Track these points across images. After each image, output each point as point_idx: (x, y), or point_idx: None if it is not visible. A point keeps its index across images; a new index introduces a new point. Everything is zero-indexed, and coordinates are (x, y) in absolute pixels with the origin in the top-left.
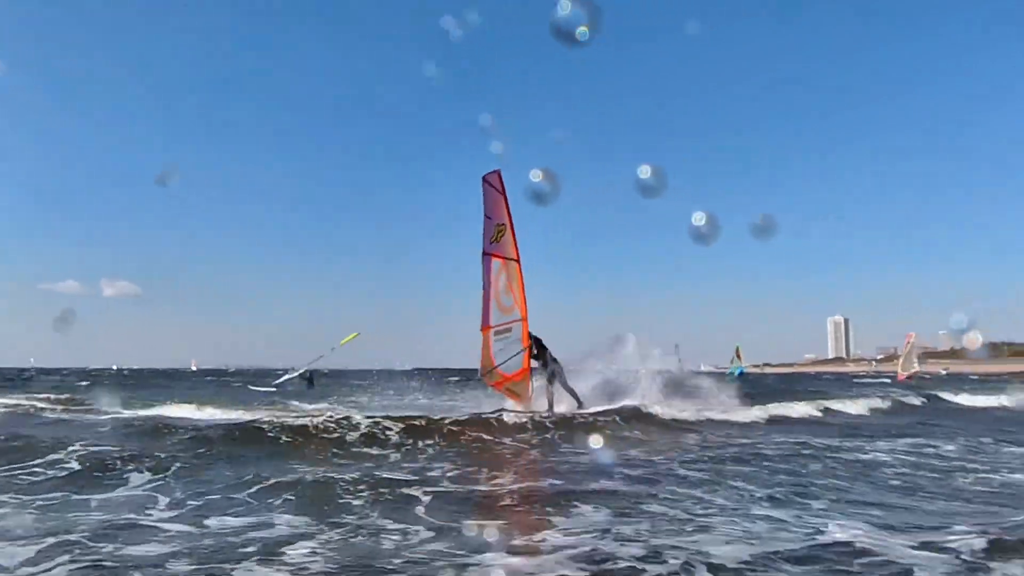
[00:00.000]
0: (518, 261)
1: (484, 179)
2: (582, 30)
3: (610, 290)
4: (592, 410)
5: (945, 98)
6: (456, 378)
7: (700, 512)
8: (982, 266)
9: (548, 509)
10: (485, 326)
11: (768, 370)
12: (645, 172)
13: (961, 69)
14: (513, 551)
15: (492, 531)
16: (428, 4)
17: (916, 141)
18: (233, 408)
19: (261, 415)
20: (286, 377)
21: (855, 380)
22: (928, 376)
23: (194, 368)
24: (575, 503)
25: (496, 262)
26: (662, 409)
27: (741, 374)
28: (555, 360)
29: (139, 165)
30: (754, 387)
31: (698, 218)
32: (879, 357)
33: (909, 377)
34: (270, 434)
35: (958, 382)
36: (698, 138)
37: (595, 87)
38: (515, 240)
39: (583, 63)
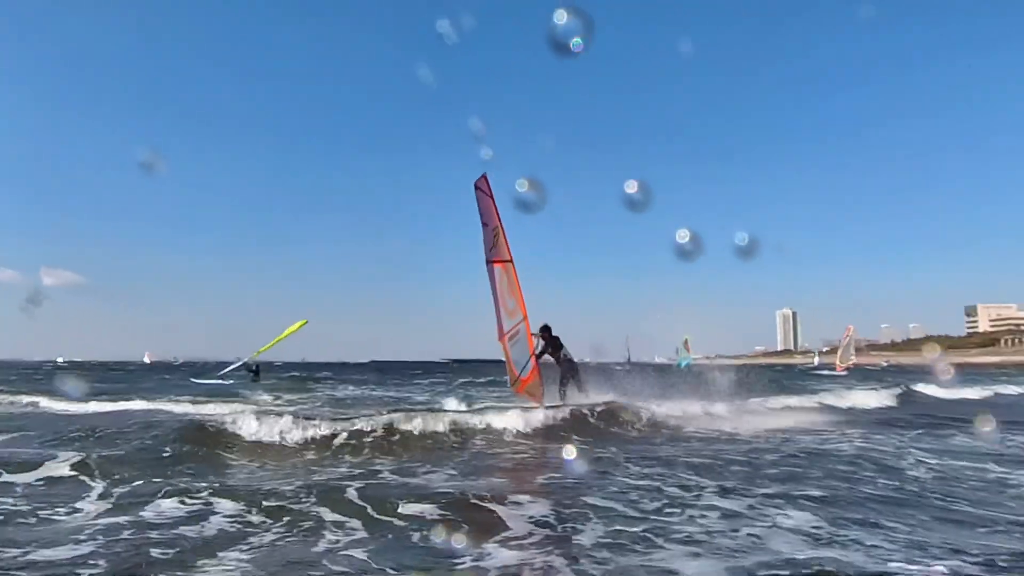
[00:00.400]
0: (512, 262)
1: (475, 185)
2: (576, 41)
3: (558, 283)
4: (555, 404)
5: (891, 97)
6: (417, 371)
7: (654, 507)
8: (922, 264)
9: (493, 508)
10: (501, 335)
11: (719, 362)
12: (632, 187)
13: (911, 67)
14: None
15: (429, 535)
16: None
17: (864, 139)
18: (172, 401)
19: (198, 409)
20: (229, 369)
21: (803, 371)
22: (873, 367)
23: (148, 360)
24: (520, 500)
25: (498, 268)
26: (620, 403)
27: (687, 366)
28: (570, 359)
29: (81, 151)
30: (712, 381)
31: (682, 235)
32: (824, 349)
33: (847, 369)
34: (204, 428)
35: (904, 374)
36: (649, 140)
37: (585, 93)
38: (506, 241)
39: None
